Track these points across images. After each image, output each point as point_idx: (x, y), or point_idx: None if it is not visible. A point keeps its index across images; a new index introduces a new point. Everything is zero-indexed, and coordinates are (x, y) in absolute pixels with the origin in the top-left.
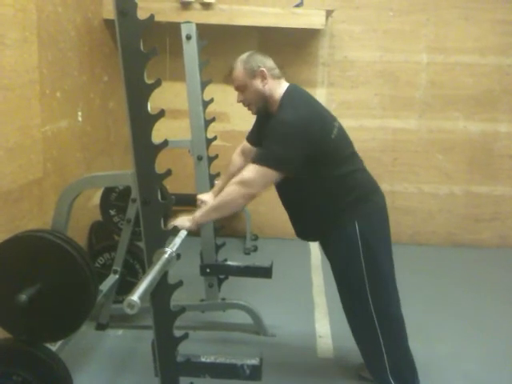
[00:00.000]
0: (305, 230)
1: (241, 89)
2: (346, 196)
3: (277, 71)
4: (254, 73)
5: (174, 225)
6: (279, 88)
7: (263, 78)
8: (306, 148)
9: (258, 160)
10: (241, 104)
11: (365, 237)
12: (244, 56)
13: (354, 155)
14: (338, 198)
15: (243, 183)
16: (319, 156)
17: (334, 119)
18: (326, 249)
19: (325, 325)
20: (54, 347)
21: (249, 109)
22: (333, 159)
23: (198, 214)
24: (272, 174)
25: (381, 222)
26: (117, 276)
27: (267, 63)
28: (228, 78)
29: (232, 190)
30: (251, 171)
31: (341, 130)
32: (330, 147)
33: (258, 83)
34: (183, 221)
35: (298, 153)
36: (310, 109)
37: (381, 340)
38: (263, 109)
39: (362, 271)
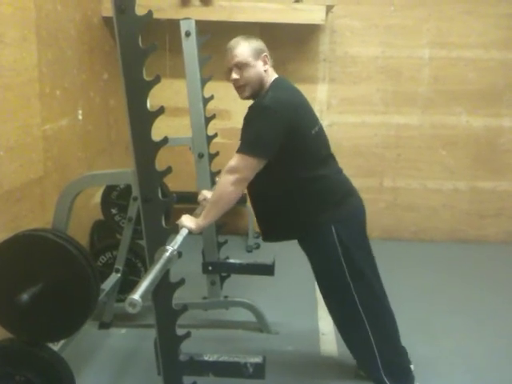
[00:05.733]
0: (275, 231)
1: (240, 66)
2: (321, 198)
3: (271, 60)
4: (258, 54)
5: (177, 223)
6: (272, 77)
7: (265, 63)
8: (284, 130)
9: (238, 148)
10: (242, 101)
11: (343, 242)
12: (244, 36)
13: (331, 157)
14: (313, 200)
15: (229, 170)
16: (298, 148)
17: (316, 118)
18: (305, 249)
19: (328, 322)
20: (56, 347)
21: (242, 90)
22: (311, 157)
23: (200, 218)
24: (251, 160)
25: (358, 224)
26: (119, 275)
27: (266, 50)
28: (226, 72)
29: (221, 179)
30: (233, 159)
31: (322, 130)
32: (310, 141)
33: (260, 66)
34: (187, 221)
35: (272, 135)
36: (292, 97)
37: (372, 340)
38: (254, 94)
39: (345, 275)
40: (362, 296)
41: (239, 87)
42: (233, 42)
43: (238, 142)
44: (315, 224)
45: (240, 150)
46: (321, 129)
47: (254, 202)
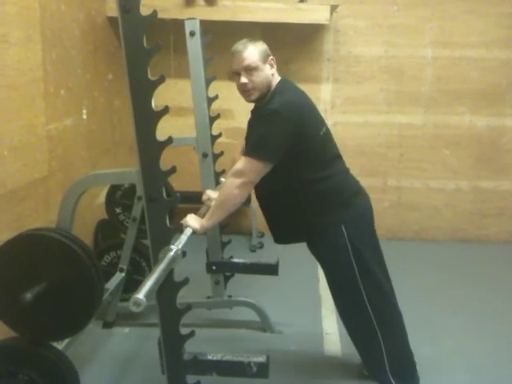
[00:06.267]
0: (284, 233)
1: (250, 69)
2: (328, 198)
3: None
4: (266, 58)
5: (182, 223)
6: (276, 79)
7: (272, 66)
8: (291, 133)
9: (245, 152)
10: (246, 101)
11: (354, 242)
12: (250, 39)
13: (338, 158)
14: (320, 200)
15: (234, 174)
16: (305, 150)
17: (322, 119)
18: (314, 251)
19: (332, 322)
20: (60, 346)
21: (249, 94)
22: (317, 158)
23: (205, 219)
24: (257, 164)
25: (367, 224)
26: (123, 274)
27: (270, 53)
28: (229, 72)
29: (226, 182)
30: (240, 162)
31: (328, 130)
32: (317, 143)
33: (268, 69)
34: (191, 220)
35: (279, 139)
36: (299, 99)
37: (380, 339)
38: (260, 97)
39: (355, 275)
40: (370, 295)
41: (247, 91)
42: (240, 44)
43: (243, 142)
44: (322, 225)
45: (247, 154)
46: (328, 129)
47: (261, 204)
